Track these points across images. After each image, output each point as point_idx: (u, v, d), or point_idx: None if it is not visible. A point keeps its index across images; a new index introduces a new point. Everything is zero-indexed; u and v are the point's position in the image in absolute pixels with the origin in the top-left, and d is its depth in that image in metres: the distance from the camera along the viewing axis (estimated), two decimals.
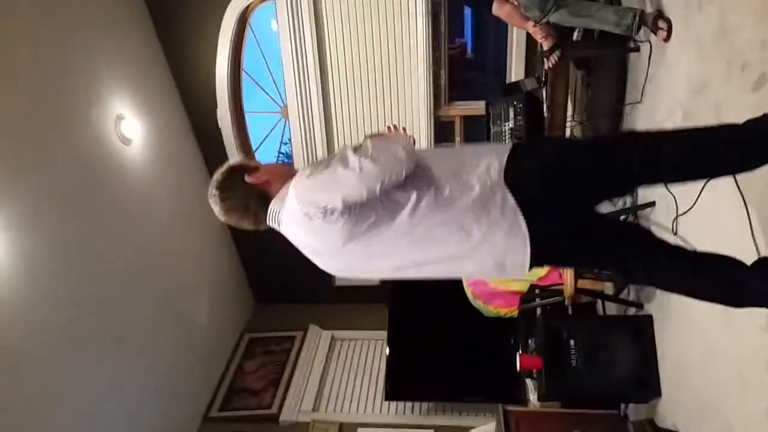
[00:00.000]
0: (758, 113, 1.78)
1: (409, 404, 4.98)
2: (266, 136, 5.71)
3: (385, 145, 1.73)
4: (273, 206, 1.84)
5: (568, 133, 4.07)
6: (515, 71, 4.68)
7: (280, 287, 6.06)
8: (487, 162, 1.76)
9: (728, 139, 1.77)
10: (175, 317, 4.80)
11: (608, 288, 3.81)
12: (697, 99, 2.62)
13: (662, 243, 1.92)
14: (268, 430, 5.01)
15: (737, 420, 2.32)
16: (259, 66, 5.30)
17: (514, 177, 1.73)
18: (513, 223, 1.71)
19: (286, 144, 5.72)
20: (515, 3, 3.32)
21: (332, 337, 5.76)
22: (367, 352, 5.63)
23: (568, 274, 3.28)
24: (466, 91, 5.23)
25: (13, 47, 3.35)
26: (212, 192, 1.89)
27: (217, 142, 5.25)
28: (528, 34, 3.40)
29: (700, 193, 2.58)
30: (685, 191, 2.76)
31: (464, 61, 8.02)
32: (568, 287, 3.33)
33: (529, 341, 4.00)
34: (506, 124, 3.71)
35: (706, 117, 2.49)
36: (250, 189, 1.87)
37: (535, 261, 1.76)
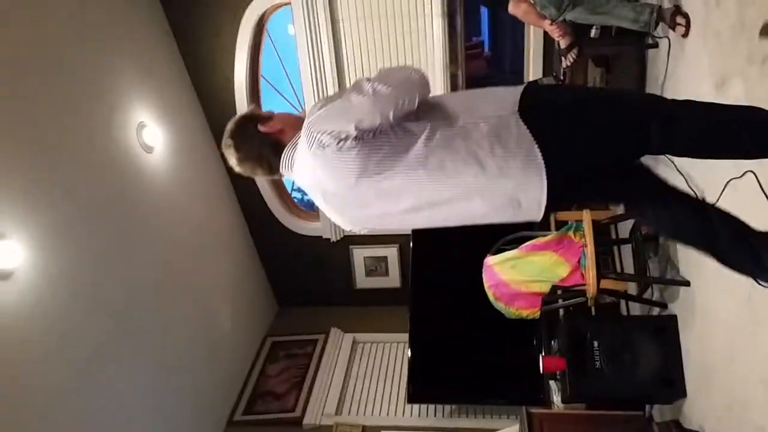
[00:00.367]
0: None
1: (431, 407, 4.96)
2: None
3: (398, 70, 1.72)
4: (286, 152, 1.84)
5: None
6: (533, 69, 4.64)
7: (302, 291, 6.09)
8: (503, 96, 1.75)
9: (745, 119, 1.76)
10: (199, 322, 4.84)
11: (632, 288, 3.76)
12: (718, 94, 2.58)
13: (674, 188, 1.94)
14: None
15: (764, 420, 2.28)
16: (276, 71, 5.33)
17: (530, 110, 1.70)
18: (529, 154, 1.67)
19: None
20: (531, 1, 3.29)
21: (354, 340, 5.77)
22: (389, 354, 5.62)
23: (591, 274, 3.25)
24: None
25: (33, 59, 3.40)
26: (226, 142, 1.89)
27: None
28: (545, 32, 3.38)
29: (723, 191, 2.54)
30: (707, 189, 2.72)
31: (482, 60, 8.01)
32: (591, 288, 3.29)
33: (552, 343, 3.97)
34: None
35: None
36: (264, 138, 1.86)
37: (551, 199, 1.72)
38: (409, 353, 4.86)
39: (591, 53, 3.62)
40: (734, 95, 2.42)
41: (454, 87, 4.88)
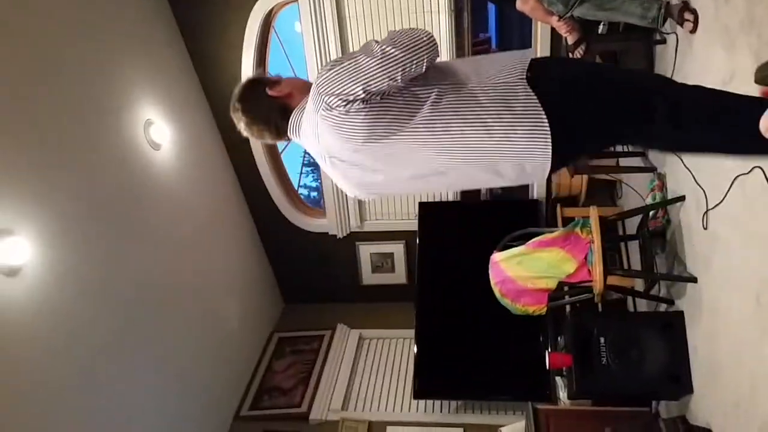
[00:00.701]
0: None
1: (437, 402, 4.97)
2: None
3: (408, 32, 1.69)
4: (294, 116, 1.84)
5: None
6: None
7: (308, 287, 6.11)
8: (512, 63, 1.75)
9: (745, 111, 1.72)
10: (205, 318, 4.86)
11: (638, 284, 3.76)
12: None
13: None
14: (298, 428, 5.05)
15: None
16: (283, 68, 5.35)
17: (539, 78, 1.71)
18: (535, 122, 1.68)
19: None
20: None
21: (360, 336, 5.78)
22: (395, 350, 5.63)
23: (598, 270, 3.25)
24: None
25: (42, 57, 3.42)
26: (234, 105, 1.89)
27: (245, 145, 5.31)
28: (553, 29, 3.37)
29: (730, 188, 2.54)
30: (715, 186, 2.72)
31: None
32: (598, 284, 3.29)
33: (559, 339, 3.98)
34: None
35: None
36: (272, 101, 1.86)
37: (555, 163, 1.73)
38: (415, 349, 4.87)
39: (598, 49, 3.62)
40: (742, 92, 2.42)
41: None
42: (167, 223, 4.44)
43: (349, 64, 1.68)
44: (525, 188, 5.18)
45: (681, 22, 2.90)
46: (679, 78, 3.12)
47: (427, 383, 4.81)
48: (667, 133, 1.76)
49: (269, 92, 1.86)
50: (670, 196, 3.38)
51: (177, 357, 4.37)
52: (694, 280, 3.03)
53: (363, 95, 1.66)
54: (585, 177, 4.63)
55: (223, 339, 5.11)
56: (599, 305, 3.49)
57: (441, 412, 4.93)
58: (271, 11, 4.81)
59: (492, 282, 3.59)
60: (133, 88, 4.20)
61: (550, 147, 1.69)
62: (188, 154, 4.79)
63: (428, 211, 5.31)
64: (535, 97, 1.68)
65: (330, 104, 1.70)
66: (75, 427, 3.36)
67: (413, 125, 1.72)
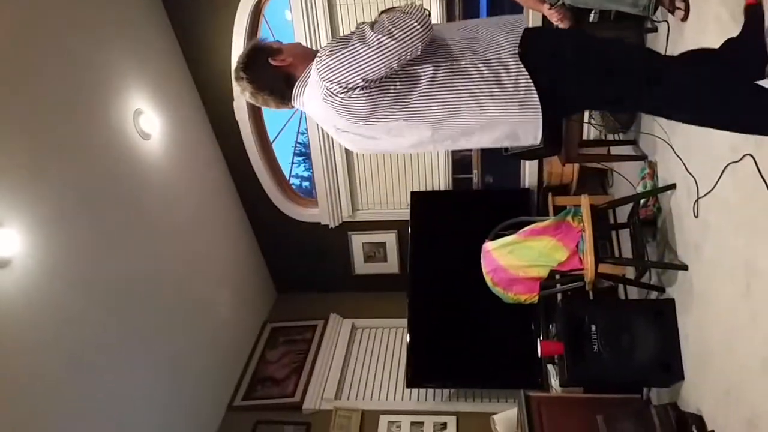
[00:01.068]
0: None
1: (430, 391, 4.99)
2: (283, 127, 5.74)
3: (401, 18, 1.76)
4: (297, 87, 1.93)
5: (586, 116, 4.03)
6: None
7: (301, 277, 6.11)
8: (504, 36, 1.83)
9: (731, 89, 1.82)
10: (198, 309, 4.85)
11: (630, 272, 3.78)
12: None
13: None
14: (292, 417, 5.05)
15: (761, 403, 2.29)
16: None
17: (530, 54, 1.80)
18: (526, 97, 1.80)
19: (303, 134, 5.74)
20: None
21: (353, 326, 5.79)
22: (387, 339, 5.64)
23: (589, 258, 3.25)
24: None
25: (30, 45, 3.38)
26: (239, 74, 1.97)
27: (235, 134, 5.28)
28: (544, 16, 3.36)
29: (721, 175, 2.54)
30: (706, 174, 2.73)
31: None
32: (589, 272, 3.30)
33: (550, 327, 3.99)
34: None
35: None
36: (275, 71, 1.94)
37: (546, 129, 1.86)
38: (408, 338, 4.89)
39: None
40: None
41: None
42: (157, 213, 4.42)
43: (346, 53, 1.77)
44: (516, 177, 5.18)
45: (672, 10, 2.89)
46: None
47: (420, 372, 4.83)
48: (656, 99, 1.87)
49: (272, 62, 1.93)
50: (660, 185, 3.38)
51: (169, 348, 4.36)
52: (684, 267, 3.04)
53: (362, 84, 1.78)
54: (576, 166, 4.63)
55: (215, 329, 5.11)
56: (590, 293, 3.50)
57: (434, 400, 4.95)
58: (260, 0, 4.77)
59: (484, 271, 3.60)
60: (122, 78, 4.17)
61: (541, 118, 1.82)
62: (178, 144, 4.76)
63: (420, 200, 5.32)
64: (525, 73, 1.79)
65: (332, 91, 1.82)
66: (67, 419, 3.35)
67: (411, 103, 1.85)
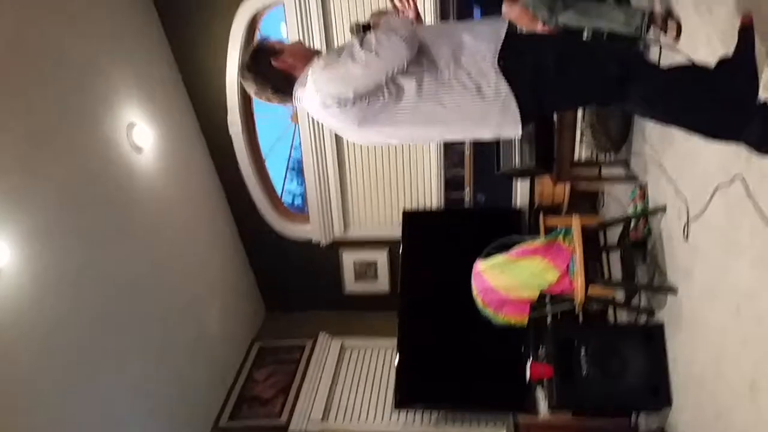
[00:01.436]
0: None
1: (418, 413, 4.92)
2: (276, 142, 5.73)
3: (387, 38, 1.92)
4: (296, 89, 2.08)
5: (578, 136, 4.02)
6: None
7: (291, 295, 6.05)
8: (485, 45, 1.95)
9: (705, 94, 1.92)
10: (185, 325, 4.78)
11: (619, 296, 3.74)
12: None
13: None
14: None
15: (751, 427, 2.25)
16: None
17: (510, 64, 1.93)
18: (505, 104, 1.95)
19: (296, 149, 5.72)
20: (524, 3, 3.29)
21: (342, 345, 5.71)
22: (376, 360, 5.57)
23: (580, 280, 3.23)
24: None
25: (25, 56, 3.37)
26: (244, 74, 2.13)
27: (228, 148, 5.26)
28: None
29: (711, 198, 2.52)
30: (696, 196, 2.71)
31: None
32: (579, 294, 3.27)
33: (540, 349, 3.94)
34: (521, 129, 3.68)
35: None
36: (277, 71, 2.09)
37: (525, 127, 2.03)
38: (397, 359, 4.83)
39: None
40: None
41: None
42: (148, 227, 4.38)
43: (338, 69, 1.95)
44: (508, 197, 5.17)
45: (664, 30, 2.90)
46: None
47: (409, 393, 4.77)
48: (635, 104, 2.00)
49: (273, 63, 2.08)
50: (651, 206, 3.37)
51: (154, 364, 4.30)
52: (674, 291, 3.01)
53: (353, 97, 1.96)
54: (568, 186, 4.61)
55: (202, 347, 5.04)
56: (580, 316, 3.47)
57: (422, 422, 4.88)
58: (257, 13, 4.78)
59: (474, 292, 3.57)
60: (116, 91, 4.16)
61: (520, 122, 1.98)
62: (171, 158, 4.73)
63: (412, 218, 5.29)
64: (505, 83, 1.92)
65: (326, 103, 2.00)
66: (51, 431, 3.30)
67: (399, 111, 2.01)
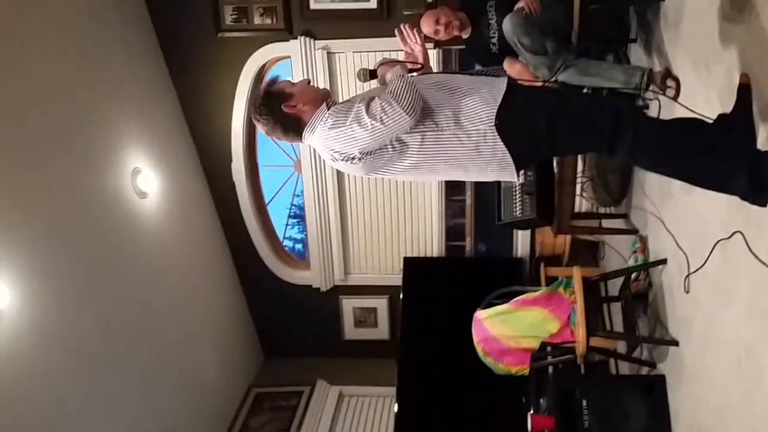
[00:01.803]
0: None
1: None
2: (279, 189, 5.78)
3: (392, 109, 2.06)
4: (306, 134, 2.25)
5: (578, 189, 4.08)
6: None
7: (289, 340, 6.02)
8: (482, 107, 2.12)
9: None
10: (181, 370, 4.75)
11: (621, 346, 3.75)
12: None
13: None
14: None
15: None
16: None
17: (506, 127, 2.10)
18: (502, 162, 2.15)
19: (298, 196, 5.78)
20: (525, 62, 3.38)
21: (340, 393, 5.67)
22: (375, 408, 5.52)
23: (581, 331, 3.24)
24: None
25: (31, 99, 3.43)
26: (255, 116, 2.29)
27: (231, 194, 5.32)
28: None
29: (712, 251, 2.56)
30: (697, 250, 2.75)
31: None
32: (581, 345, 3.28)
33: (541, 400, 3.92)
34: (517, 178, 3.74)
35: None
36: (287, 115, 2.24)
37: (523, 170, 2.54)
38: (396, 408, 4.78)
39: None
40: None
41: None
42: (149, 271, 4.40)
43: (344, 131, 2.12)
44: (509, 247, 5.20)
45: (663, 89, 2.97)
46: None
47: None
48: (622, 152, 2.13)
49: (284, 109, 2.22)
50: (652, 259, 3.40)
51: (149, 408, 4.26)
52: (675, 343, 3.02)
53: (359, 156, 2.15)
54: (569, 237, 4.66)
55: (198, 392, 4.99)
56: (582, 367, 3.46)
57: None
58: (264, 65, 4.89)
59: (475, 340, 3.57)
60: (122, 137, 4.23)
61: (516, 173, 2.19)
62: (174, 203, 4.78)
63: (413, 266, 5.31)
64: (502, 144, 2.11)
65: (335, 158, 2.21)
66: None
67: (404, 166, 2.21)
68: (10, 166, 3.23)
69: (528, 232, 5.03)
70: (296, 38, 4.67)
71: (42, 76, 3.52)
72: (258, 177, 5.49)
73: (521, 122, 2.13)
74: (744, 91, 2.18)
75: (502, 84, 2.19)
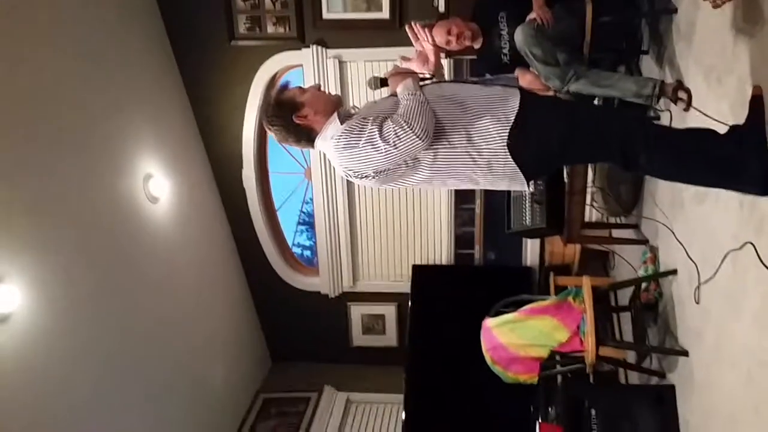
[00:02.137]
0: None
1: None
2: (289, 196, 5.81)
3: (405, 134, 2.08)
4: (317, 143, 2.30)
5: (588, 199, 4.09)
6: None
7: (297, 346, 6.04)
8: (495, 127, 2.15)
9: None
10: (190, 375, 4.78)
11: (630, 356, 3.74)
12: None
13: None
14: None
15: None
16: None
17: (518, 144, 2.14)
18: (513, 177, 2.20)
19: (308, 203, 5.81)
20: (536, 72, 3.39)
21: (348, 399, 5.68)
22: (382, 416, 5.52)
23: (590, 340, 3.24)
24: None
25: (43, 105, 3.47)
26: (267, 126, 2.34)
27: (241, 201, 5.35)
28: None
29: (722, 262, 2.57)
30: (707, 260, 2.75)
31: None
32: (590, 354, 3.28)
33: (550, 409, 3.92)
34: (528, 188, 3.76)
35: None
36: (298, 125, 2.28)
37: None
38: (403, 415, 4.79)
39: None
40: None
41: None
42: (159, 276, 4.43)
43: (358, 152, 2.15)
44: (518, 255, 5.21)
45: (675, 100, 2.98)
46: None
47: None
48: (637, 172, 2.38)
49: (295, 119, 2.26)
50: (662, 269, 3.40)
51: (158, 413, 4.28)
52: (685, 353, 3.02)
53: (373, 174, 2.20)
54: (578, 246, 4.66)
55: (206, 398, 5.01)
56: (591, 376, 3.46)
57: None
58: (276, 74, 4.93)
59: (484, 348, 3.58)
60: (134, 143, 4.27)
61: (527, 185, 2.26)
62: (185, 208, 4.82)
63: (422, 273, 5.33)
64: (512, 162, 2.16)
65: (348, 175, 2.25)
66: None
67: (417, 180, 2.27)
68: (24, 171, 3.27)
69: (537, 241, 5.04)
70: (308, 47, 4.71)
71: (57, 83, 3.57)
72: (268, 183, 5.52)
73: (534, 141, 2.16)
74: (757, 102, 2.19)
75: (515, 100, 2.19)
